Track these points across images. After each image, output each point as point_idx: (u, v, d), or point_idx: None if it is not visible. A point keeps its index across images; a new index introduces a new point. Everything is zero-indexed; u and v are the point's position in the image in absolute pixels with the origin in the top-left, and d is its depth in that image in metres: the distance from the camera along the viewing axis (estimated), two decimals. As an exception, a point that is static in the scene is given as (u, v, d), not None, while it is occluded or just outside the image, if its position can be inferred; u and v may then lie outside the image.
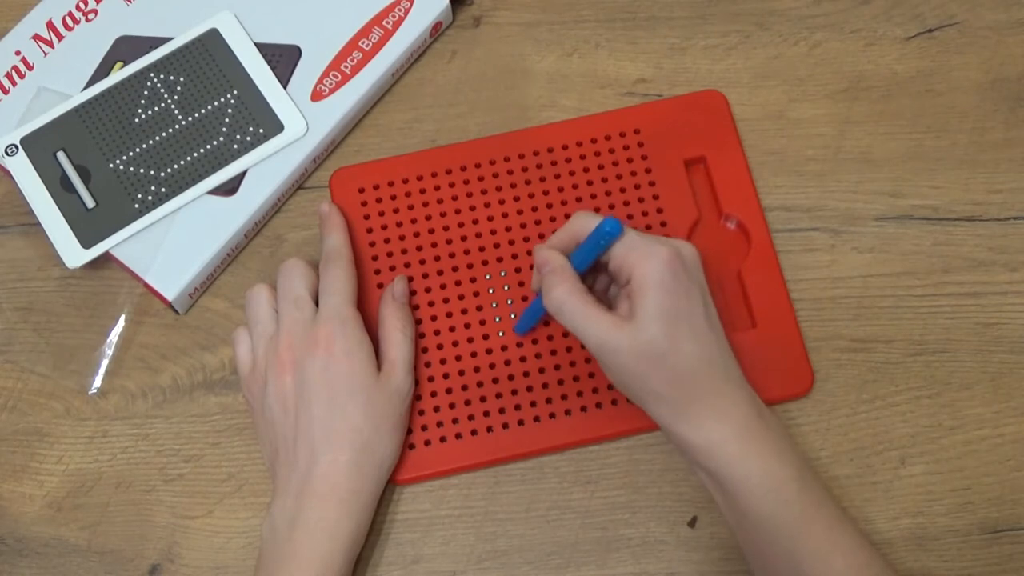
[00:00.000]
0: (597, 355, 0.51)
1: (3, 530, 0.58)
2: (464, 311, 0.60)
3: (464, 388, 0.58)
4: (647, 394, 0.51)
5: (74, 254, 0.60)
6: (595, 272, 0.54)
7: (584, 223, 0.52)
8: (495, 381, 0.58)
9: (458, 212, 0.61)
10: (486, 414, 0.58)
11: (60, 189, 0.61)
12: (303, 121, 0.62)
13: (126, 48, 0.64)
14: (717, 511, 0.57)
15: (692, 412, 0.50)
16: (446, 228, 0.61)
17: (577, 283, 0.51)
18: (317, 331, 0.55)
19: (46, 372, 0.61)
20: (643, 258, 0.50)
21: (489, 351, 0.59)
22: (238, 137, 0.62)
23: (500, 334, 0.59)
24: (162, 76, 0.63)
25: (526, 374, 0.58)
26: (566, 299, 0.50)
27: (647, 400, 0.51)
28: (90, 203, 0.61)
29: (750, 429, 0.50)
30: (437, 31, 0.66)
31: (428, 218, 0.61)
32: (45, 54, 0.64)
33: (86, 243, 0.60)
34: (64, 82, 0.63)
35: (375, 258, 0.61)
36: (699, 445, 0.50)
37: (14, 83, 0.63)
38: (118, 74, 0.63)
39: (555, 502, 0.58)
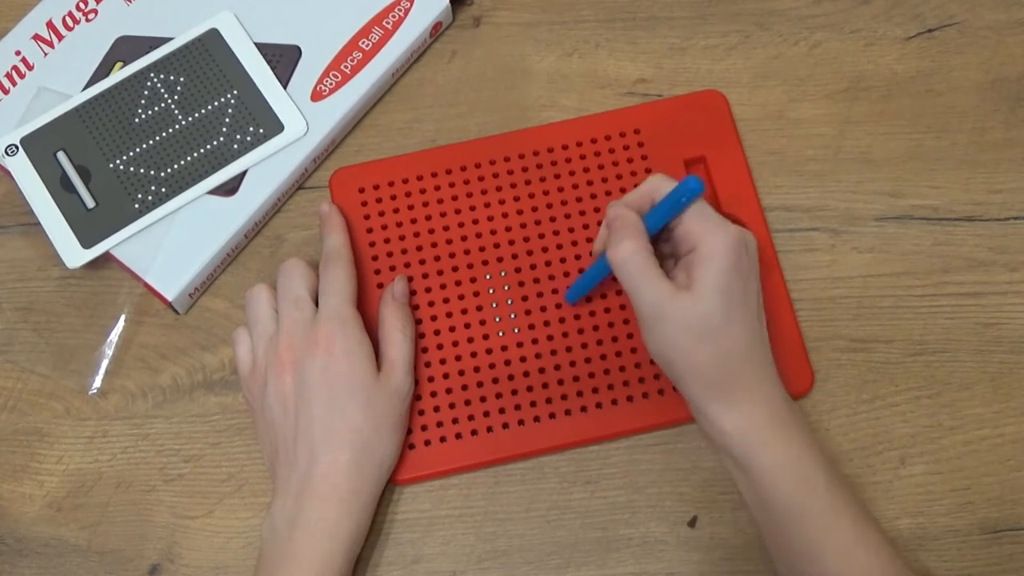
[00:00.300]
0: (647, 320, 0.50)
1: (3, 530, 0.58)
2: (464, 311, 0.60)
3: (464, 388, 0.58)
4: (687, 368, 0.50)
5: (74, 254, 0.60)
6: (654, 241, 0.53)
7: (660, 184, 0.52)
8: (495, 381, 0.58)
9: (458, 212, 0.61)
10: (486, 414, 0.58)
11: (60, 189, 0.61)
12: (303, 121, 0.62)
13: (126, 48, 0.64)
14: (717, 511, 0.57)
15: (728, 394, 0.50)
16: (446, 228, 0.61)
17: (647, 242, 0.50)
18: (317, 331, 0.55)
19: (46, 372, 0.61)
20: (714, 231, 0.49)
21: (489, 351, 0.59)
22: (238, 137, 0.62)
23: (500, 334, 0.59)
24: (162, 76, 0.63)
25: (526, 374, 0.58)
26: (632, 256, 0.50)
27: (685, 375, 0.50)
28: (90, 203, 0.61)
29: (782, 419, 0.50)
30: (437, 31, 0.66)
31: (428, 218, 0.61)
32: (45, 54, 0.64)
33: (86, 243, 0.60)
34: (64, 82, 0.63)
35: (375, 258, 0.61)
36: (729, 429, 0.50)
37: (14, 83, 0.63)
38: (118, 74, 0.63)
39: (555, 502, 0.58)
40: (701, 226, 0.50)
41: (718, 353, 0.49)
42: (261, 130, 0.62)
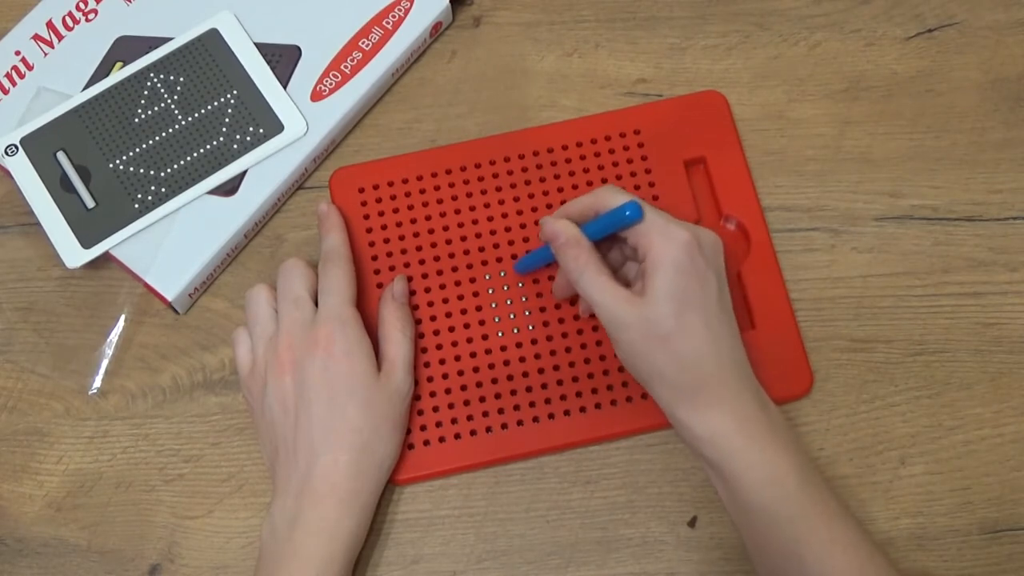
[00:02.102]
0: (608, 329, 0.51)
1: (3, 530, 0.58)
2: (464, 311, 0.60)
3: (464, 388, 0.58)
4: (652, 374, 0.51)
5: (74, 254, 0.60)
6: (612, 243, 0.54)
7: (609, 199, 0.52)
8: (495, 381, 0.58)
9: (458, 212, 0.61)
10: (486, 414, 0.58)
11: (60, 189, 0.61)
12: (303, 121, 0.62)
13: (126, 48, 0.64)
14: (717, 511, 0.57)
15: (695, 399, 0.50)
16: (446, 228, 0.61)
17: (594, 254, 0.51)
18: (317, 331, 0.55)
19: (46, 372, 0.61)
20: (661, 239, 0.50)
21: (489, 351, 0.59)
22: (238, 137, 0.62)
23: (500, 334, 0.59)
24: (162, 76, 0.63)
25: (526, 374, 0.58)
26: (584, 270, 0.51)
27: (651, 380, 0.51)
28: (90, 203, 0.61)
29: (753, 421, 0.50)
30: (437, 31, 0.66)
31: (428, 218, 0.61)
32: (45, 54, 0.64)
33: (86, 243, 0.60)
34: (64, 82, 0.63)
35: (375, 258, 0.61)
36: (700, 434, 0.50)
37: (14, 83, 0.63)
38: (118, 74, 0.63)
39: (555, 502, 0.58)
40: (649, 236, 0.50)
41: (677, 357, 0.50)
42: (261, 130, 0.62)
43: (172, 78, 0.63)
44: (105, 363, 0.60)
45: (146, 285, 0.60)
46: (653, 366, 0.50)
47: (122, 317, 0.61)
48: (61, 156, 0.61)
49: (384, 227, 0.61)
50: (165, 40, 0.64)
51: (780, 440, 0.50)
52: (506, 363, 0.59)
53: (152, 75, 0.63)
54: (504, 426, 0.58)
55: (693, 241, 0.50)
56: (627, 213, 0.50)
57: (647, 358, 0.50)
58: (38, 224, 0.60)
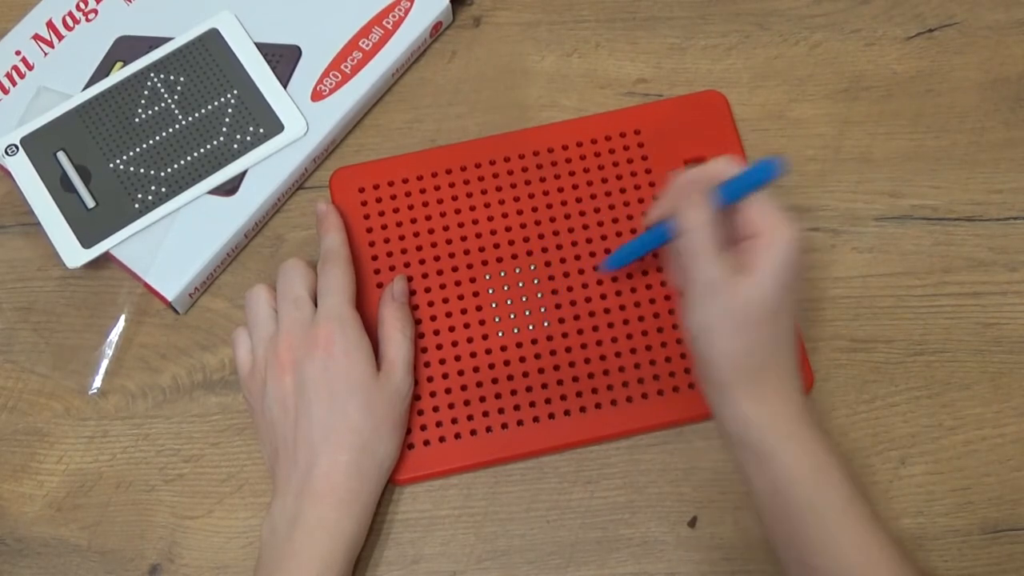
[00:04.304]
0: (698, 295, 0.49)
1: (3, 530, 0.58)
2: (464, 311, 0.60)
3: (464, 388, 0.58)
4: (722, 350, 0.50)
5: (74, 254, 0.60)
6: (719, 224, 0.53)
7: (724, 167, 0.51)
8: (495, 381, 0.58)
9: (458, 212, 0.61)
10: (486, 414, 0.58)
11: (60, 189, 0.61)
12: (303, 121, 0.62)
13: (126, 48, 0.64)
14: (717, 511, 0.57)
15: (756, 384, 0.49)
16: (446, 228, 0.61)
17: (715, 215, 0.50)
18: (316, 331, 0.55)
19: (46, 372, 0.61)
20: (782, 222, 0.49)
21: (489, 351, 0.59)
22: (238, 137, 0.62)
23: (500, 334, 0.59)
24: (162, 76, 0.63)
25: (525, 374, 0.58)
26: (703, 226, 0.49)
27: (717, 357, 0.50)
28: (90, 203, 0.61)
29: (802, 414, 0.50)
30: (437, 31, 0.66)
31: (428, 218, 0.61)
32: (45, 54, 0.64)
33: (86, 243, 0.60)
34: (64, 82, 0.63)
35: (375, 258, 0.61)
36: (753, 418, 0.49)
37: (14, 83, 0.63)
38: (118, 74, 0.63)
39: (555, 502, 0.58)
40: (770, 215, 0.49)
41: (757, 341, 0.49)
42: (261, 130, 0.62)
43: (172, 78, 0.63)
44: (105, 363, 0.60)
45: (146, 285, 0.60)
46: (728, 344, 0.49)
47: (122, 317, 0.61)
48: (61, 156, 0.61)
49: (384, 227, 0.61)
50: (165, 40, 0.64)
51: (823, 434, 0.51)
52: (506, 363, 0.59)
53: (152, 75, 0.63)
54: (504, 426, 0.58)
55: (801, 238, 0.49)
56: (775, 165, 0.48)
57: (726, 335, 0.49)
58: (38, 224, 0.60)
